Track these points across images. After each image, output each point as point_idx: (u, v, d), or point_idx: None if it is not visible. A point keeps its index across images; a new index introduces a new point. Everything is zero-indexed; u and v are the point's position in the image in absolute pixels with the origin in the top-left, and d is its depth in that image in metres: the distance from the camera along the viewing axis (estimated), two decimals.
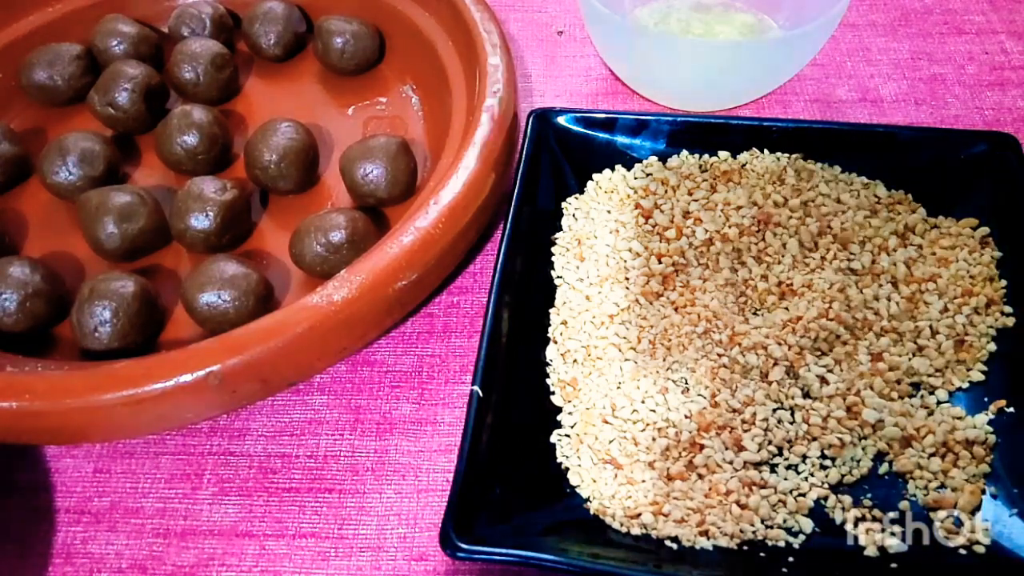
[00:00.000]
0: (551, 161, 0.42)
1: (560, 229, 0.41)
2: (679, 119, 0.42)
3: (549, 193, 0.42)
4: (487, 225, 0.41)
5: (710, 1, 0.53)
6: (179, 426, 0.37)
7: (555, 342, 0.37)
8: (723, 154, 0.42)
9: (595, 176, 0.43)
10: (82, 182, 0.44)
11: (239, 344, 0.33)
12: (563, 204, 0.42)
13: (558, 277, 0.39)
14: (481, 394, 0.32)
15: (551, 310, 0.38)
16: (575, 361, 0.36)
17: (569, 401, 0.35)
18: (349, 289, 0.35)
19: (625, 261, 0.39)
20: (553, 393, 0.36)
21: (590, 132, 0.42)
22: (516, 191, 0.39)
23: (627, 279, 0.39)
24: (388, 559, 0.34)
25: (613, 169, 0.43)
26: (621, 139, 0.43)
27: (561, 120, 0.42)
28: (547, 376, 0.36)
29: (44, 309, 0.39)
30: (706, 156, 0.42)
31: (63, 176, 0.44)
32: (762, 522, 0.31)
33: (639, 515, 0.31)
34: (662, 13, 0.52)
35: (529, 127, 0.41)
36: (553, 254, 0.40)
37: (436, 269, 0.38)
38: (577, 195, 0.42)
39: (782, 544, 0.31)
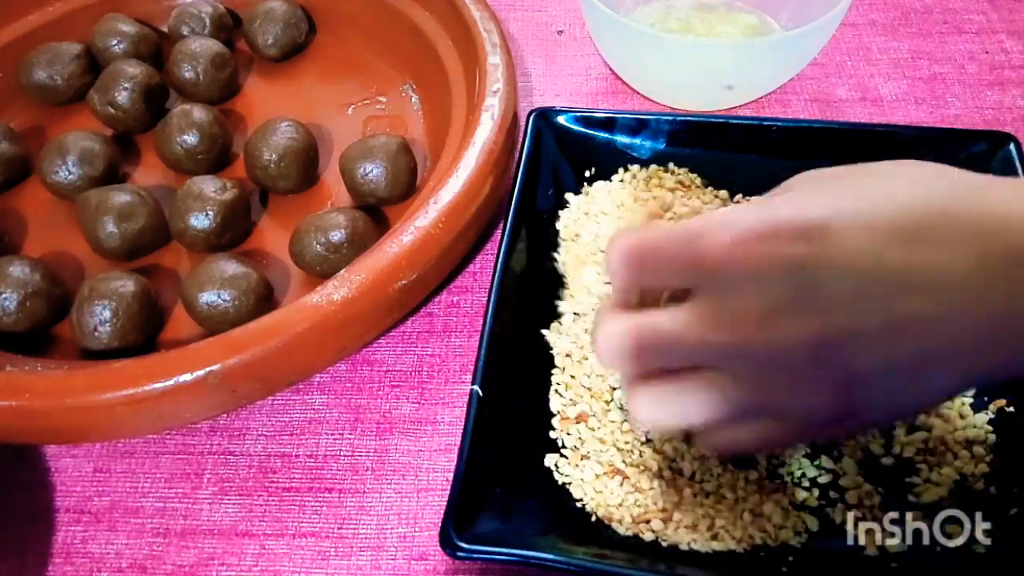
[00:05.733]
0: (551, 160, 0.42)
1: (560, 229, 0.41)
2: (679, 119, 0.42)
3: (549, 192, 0.41)
4: (487, 225, 0.41)
5: (712, 1, 0.53)
6: (179, 426, 0.37)
7: (557, 393, 0.36)
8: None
9: (596, 184, 0.42)
10: (82, 182, 0.44)
11: (239, 344, 0.33)
12: (559, 212, 0.41)
13: (558, 310, 0.38)
14: (481, 394, 0.32)
15: (552, 342, 0.37)
16: (581, 397, 0.35)
17: (569, 433, 0.35)
18: (349, 289, 0.35)
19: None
20: (554, 428, 0.35)
21: (590, 131, 0.42)
22: (516, 190, 0.39)
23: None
24: (388, 559, 0.34)
25: (612, 176, 0.43)
26: (621, 138, 0.42)
27: (561, 119, 0.42)
28: (547, 376, 0.36)
29: (44, 309, 0.39)
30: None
31: (63, 175, 0.44)
32: (771, 524, 0.31)
33: (648, 521, 0.31)
34: (662, 12, 0.52)
35: (529, 126, 0.41)
36: (554, 260, 0.40)
37: (436, 268, 0.38)
38: (575, 195, 0.42)
39: (782, 544, 0.31)
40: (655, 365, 0.27)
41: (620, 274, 0.27)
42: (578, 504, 0.32)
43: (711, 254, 0.25)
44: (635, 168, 0.42)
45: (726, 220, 0.25)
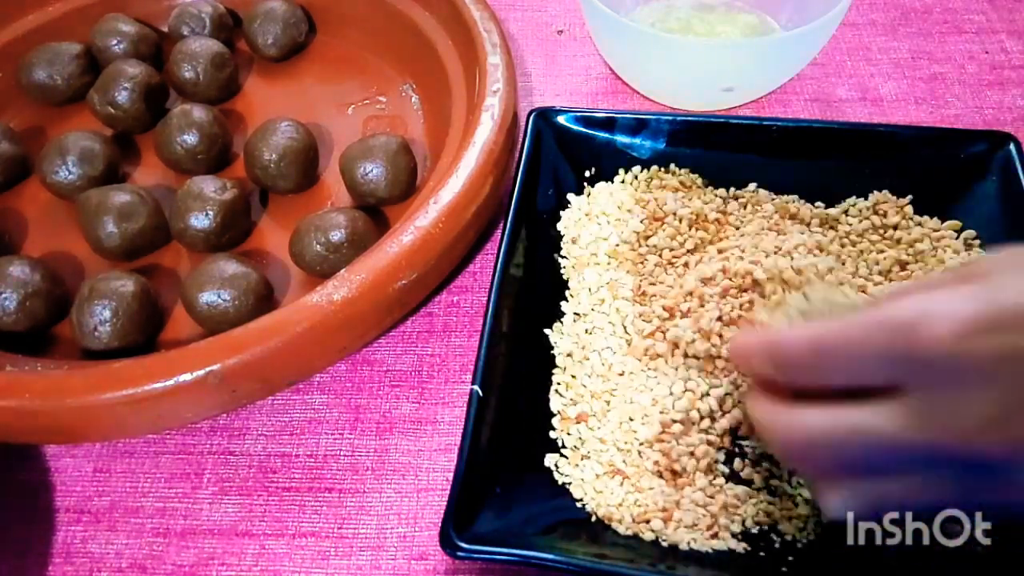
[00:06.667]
0: (551, 160, 0.42)
1: (560, 230, 0.41)
2: (679, 118, 0.42)
3: (549, 192, 0.41)
4: (487, 224, 0.41)
5: (712, 1, 0.53)
6: (179, 425, 0.37)
7: (557, 393, 0.36)
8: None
9: (597, 185, 0.42)
10: (82, 181, 0.44)
11: (239, 344, 0.33)
12: (560, 213, 0.42)
13: (563, 300, 0.39)
14: (481, 393, 0.32)
15: (553, 342, 0.37)
16: (581, 397, 0.36)
17: (569, 433, 0.35)
18: (349, 288, 0.35)
19: (621, 283, 0.39)
20: (554, 428, 0.35)
21: (590, 131, 0.42)
22: (516, 190, 0.39)
23: (623, 300, 0.38)
24: (388, 558, 0.34)
25: (613, 176, 0.43)
26: (621, 138, 0.42)
27: (561, 119, 0.42)
28: (547, 376, 0.36)
29: (44, 308, 0.39)
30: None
31: (63, 175, 0.44)
32: (768, 518, 0.31)
33: (648, 521, 0.31)
34: (662, 12, 0.52)
35: (529, 126, 0.41)
36: (555, 260, 0.40)
37: (436, 268, 0.38)
38: (576, 195, 0.42)
39: (782, 544, 0.31)
40: (858, 470, 0.25)
41: (791, 370, 0.26)
42: (578, 504, 0.32)
43: (929, 348, 0.22)
44: (636, 169, 0.42)
45: (938, 309, 0.23)
